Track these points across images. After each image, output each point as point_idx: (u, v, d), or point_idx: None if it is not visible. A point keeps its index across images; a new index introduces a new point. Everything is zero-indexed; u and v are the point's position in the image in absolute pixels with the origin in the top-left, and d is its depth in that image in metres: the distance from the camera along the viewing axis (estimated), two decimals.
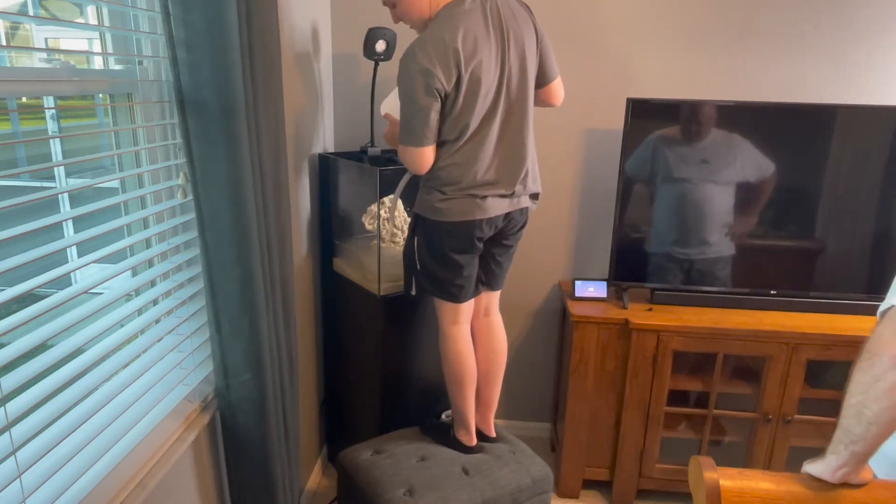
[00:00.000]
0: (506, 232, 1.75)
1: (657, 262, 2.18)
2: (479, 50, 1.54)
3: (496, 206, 1.65)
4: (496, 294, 1.88)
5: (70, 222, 1.03)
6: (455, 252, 1.69)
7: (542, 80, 1.75)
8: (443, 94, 1.53)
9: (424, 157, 1.60)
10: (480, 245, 1.71)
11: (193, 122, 1.17)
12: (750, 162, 2.06)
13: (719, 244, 2.14)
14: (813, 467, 1.03)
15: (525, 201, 1.73)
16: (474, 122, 1.59)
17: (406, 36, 1.94)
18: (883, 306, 1.01)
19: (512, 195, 1.67)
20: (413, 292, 1.82)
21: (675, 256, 2.17)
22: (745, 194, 2.09)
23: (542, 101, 1.80)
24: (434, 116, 1.55)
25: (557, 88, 1.80)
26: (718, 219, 2.12)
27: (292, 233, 1.90)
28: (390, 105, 1.85)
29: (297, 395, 1.68)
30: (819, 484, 1.02)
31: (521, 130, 1.65)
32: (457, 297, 1.75)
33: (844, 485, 1.00)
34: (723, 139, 2.05)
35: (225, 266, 1.28)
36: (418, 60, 1.49)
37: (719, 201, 2.10)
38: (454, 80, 1.52)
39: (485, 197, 1.63)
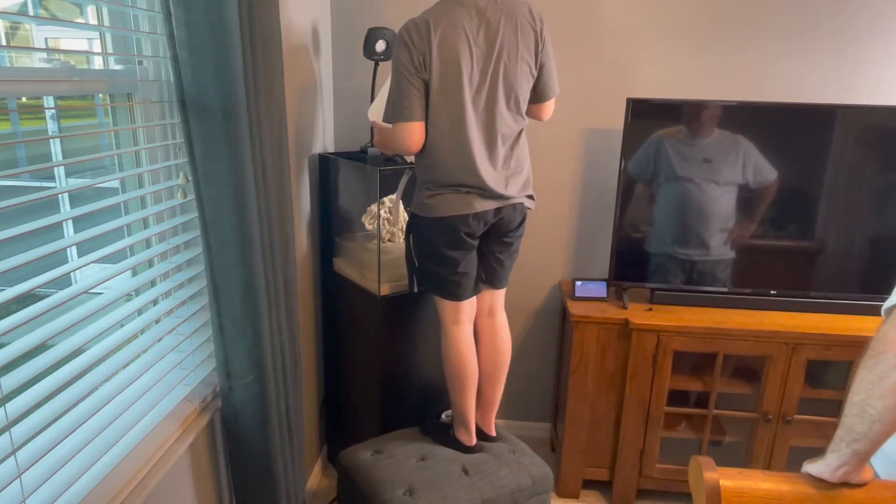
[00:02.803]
0: (503, 229, 1.75)
1: (657, 263, 2.18)
2: (459, 47, 1.57)
3: (482, 203, 1.66)
4: (500, 293, 1.88)
5: (70, 222, 1.03)
6: (446, 248, 1.69)
7: (539, 97, 1.76)
8: (420, 70, 1.57)
9: (411, 132, 1.62)
10: (472, 241, 1.71)
11: (195, 123, 1.17)
12: (752, 164, 2.06)
13: (721, 246, 2.14)
14: (813, 467, 1.03)
15: (517, 199, 1.73)
16: (455, 121, 1.61)
17: None
18: (887, 304, 1.01)
19: (497, 195, 1.68)
20: (415, 290, 1.83)
21: (676, 257, 2.17)
22: (748, 196, 2.09)
23: (532, 115, 1.81)
24: (415, 92, 1.59)
25: (549, 107, 1.83)
26: (720, 220, 2.12)
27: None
28: (376, 111, 1.87)
29: (301, 395, 1.68)
30: (819, 484, 1.02)
31: (501, 134, 1.66)
32: (454, 294, 1.75)
33: (845, 484, 1.00)
34: (724, 139, 2.05)
35: (228, 268, 1.28)
36: (402, 36, 1.59)
37: (721, 202, 2.10)
38: (427, 62, 1.56)
39: (469, 192, 1.65)
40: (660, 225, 2.15)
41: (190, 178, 1.25)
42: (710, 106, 2.03)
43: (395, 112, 1.62)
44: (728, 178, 2.08)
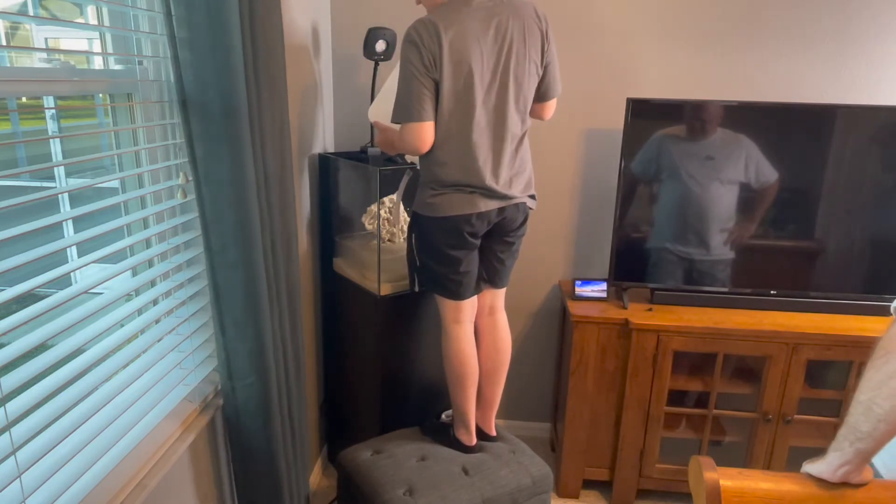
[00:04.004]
0: (505, 228, 1.75)
1: (658, 262, 2.18)
2: (470, 48, 1.56)
3: (486, 202, 1.66)
4: (501, 292, 1.88)
5: (70, 222, 1.03)
6: (448, 247, 1.69)
7: (542, 96, 1.76)
8: (431, 70, 1.56)
9: (422, 132, 1.61)
10: (475, 241, 1.71)
11: (196, 122, 1.17)
12: (754, 164, 2.06)
13: (721, 245, 2.14)
14: (813, 467, 1.03)
15: (519, 198, 1.73)
16: (464, 122, 1.60)
17: None
18: None
19: (501, 195, 1.68)
20: (416, 289, 1.83)
21: (677, 256, 2.17)
22: (749, 196, 2.09)
23: (534, 114, 1.81)
24: (425, 91, 1.58)
25: (552, 107, 1.83)
26: (722, 219, 2.12)
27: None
28: (377, 111, 1.87)
29: (304, 395, 1.68)
30: (819, 484, 1.02)
31: (509, 134, 1.66)
32: (455, 293, 1.75)
33: (844, 484, 1.00)
34: (726, 139, 2.05)
35: (229, 268, 1.27)
36: (411, 36, 1.57)
37: (724, 202, 2.10)
38: (438, 62, 1.55)
39: (473, 192, 1.65)
40: (661, 224, 2.15)
41: (190, 178, 1.25)
42: (710, 106, 2.03)
43: (404, 113, 1.61)
44: (730, 176, 2.08)
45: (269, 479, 1.46)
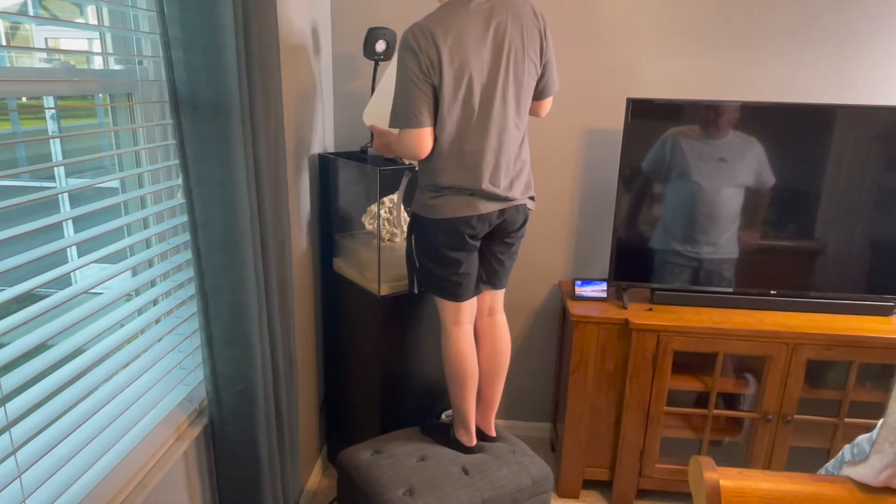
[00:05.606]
0: (505, 229, 1.75)
1: (658, 262, 2.18)
2: (468, 53, 1.56)
3: (486, 204, 1.66)
4: (500, 293, 1.88)
5: (70, 222, 1.03)
6: (448, 249, 1.69)
7: (539, 94, 1.77)
8: (429, 75, 1.55)
9: (421, 138, 1.60)
10: (475, 242, 1.71)
11: (188, 123, 1.16)
12: (754, 165, 2.06)
13: (722, 245, 2.14)
14: (854, 470, 1.00)
15: (520, 200, 1.73)
16: (464, 126, 1.60)
17: None
18: None
19: (502, 198, 1.67)
20: (415, 291, 1.83)
21: (678, 256, 2.16)
22: (752, 196, 2.09)
23: (531, 111, 1.80)
24: (423, 98, 1.57)
25: (549, 104, 1.84)
26: (726, 220, 2.12)
27: (292, 234, 1.90)
28: (371, 114, 1.86)
29: (297, 399, 1.66)
30: (819, 484, 1.01)
31: (510, 136, 1.66)
32: (455, 294, 1.75)
33: (887, 489, 0.97)
34: (736, 141, 2.05)
35: (217, 272, 1.25)
36: (407, 41, 1.57)
37: (732, 202, 2.10)
38: (436, 67, 1.54)
39: (473, 194, 1.64)
40: (663, 224, 2.15)
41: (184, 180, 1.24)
42: (709, 106, 2.03)
43: (403, 118, 1.60)
44: (734, 177, 2.08)
45: (251, 486, 1.43)
